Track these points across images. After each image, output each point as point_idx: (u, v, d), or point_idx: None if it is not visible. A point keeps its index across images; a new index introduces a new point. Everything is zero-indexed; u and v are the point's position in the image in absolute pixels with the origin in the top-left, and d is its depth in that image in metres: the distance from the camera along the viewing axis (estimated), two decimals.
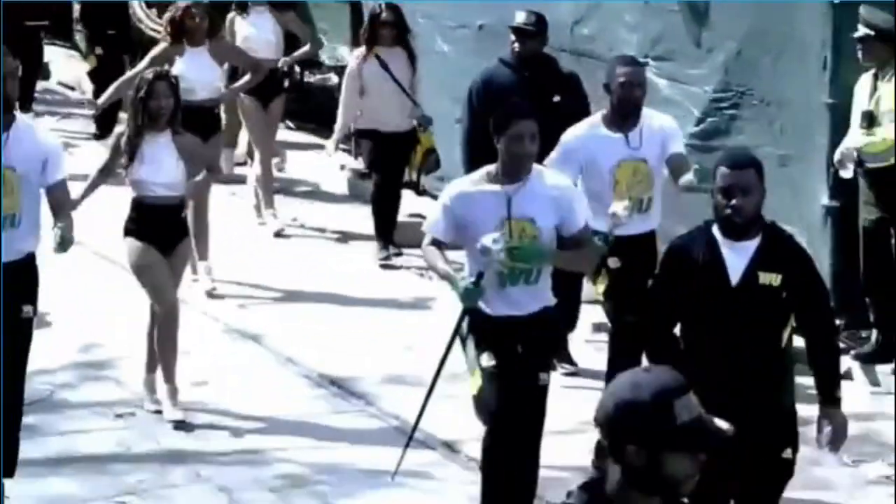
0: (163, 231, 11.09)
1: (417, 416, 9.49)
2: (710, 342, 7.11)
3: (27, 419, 10.05)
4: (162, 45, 14.06)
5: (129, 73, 14.13)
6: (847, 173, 12.08)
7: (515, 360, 8.85)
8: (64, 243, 9.24)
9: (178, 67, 13.26)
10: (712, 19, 13.83)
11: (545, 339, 9.06)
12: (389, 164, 14.52)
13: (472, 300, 8.69)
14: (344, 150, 15.99)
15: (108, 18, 18.90)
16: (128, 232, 10.88)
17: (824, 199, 12.73)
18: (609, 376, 9.49)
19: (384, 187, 14.53)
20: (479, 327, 8.84)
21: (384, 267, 14.46)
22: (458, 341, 9.21)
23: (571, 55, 14.48)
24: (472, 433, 9.84)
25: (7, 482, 9.42)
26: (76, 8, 19.79)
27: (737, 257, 6.80)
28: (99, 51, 19.04)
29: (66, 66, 21.64)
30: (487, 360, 8.74)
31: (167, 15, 13.61)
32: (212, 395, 11.64)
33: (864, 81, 11.94)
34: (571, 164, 9.87)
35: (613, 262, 10.07)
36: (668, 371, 4.57)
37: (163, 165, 11.01)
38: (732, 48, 13.54)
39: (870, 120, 11.80)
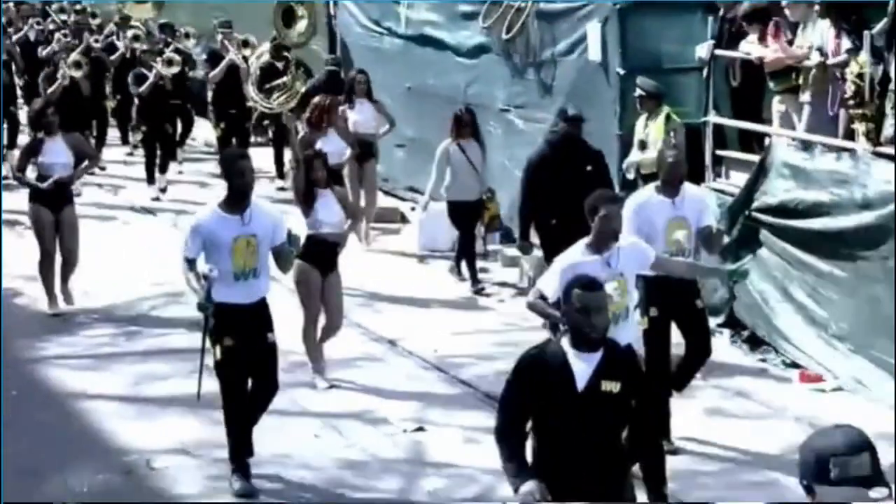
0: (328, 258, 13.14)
1: None
2: (558, 442, 7.23)
3: None
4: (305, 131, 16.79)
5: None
6: (630, 175, 15.51)
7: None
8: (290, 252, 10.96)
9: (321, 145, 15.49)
10: (551, 82, 17.79)
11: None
12: (466, 223, 16.90)
13: None
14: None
15: (231, 103, 21.65)
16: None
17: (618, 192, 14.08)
18: None
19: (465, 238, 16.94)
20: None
21: (477, 293, 16.59)
22: None
23: (466, 104, 17.85)
24: None
25: None
26: (209, 94, 22.36)
27: (583, 367, 7.00)
28: (223, 125, 21.76)
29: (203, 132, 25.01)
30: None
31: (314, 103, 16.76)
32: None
33: (640, 122, 15.41)
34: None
35: (654, 311, 11.12)
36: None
37: (332, 210, 13.15)
38: (562, 99, 17.13)
39: (642, 145, 15.30)
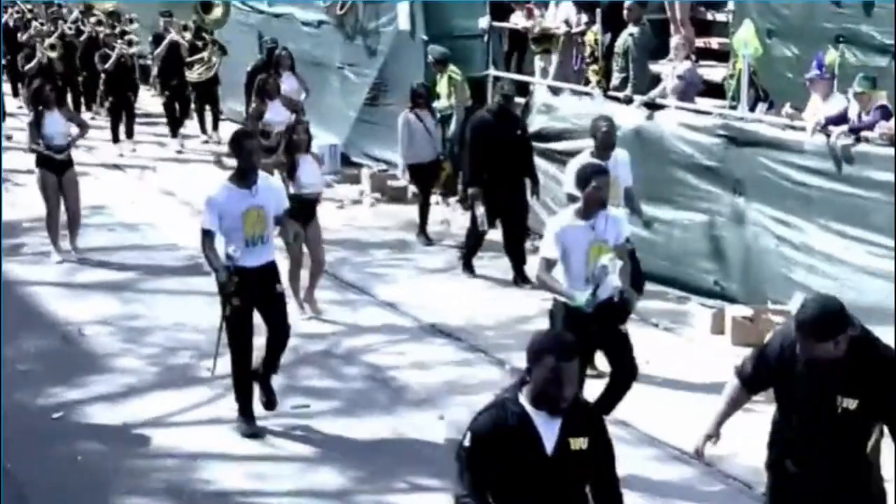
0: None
1: None
2: None
3: None
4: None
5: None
6: (440, 104, 15.46)
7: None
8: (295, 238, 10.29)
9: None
10: (375, 46, 17.94)
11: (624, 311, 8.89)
12: (424, 182, 15.16)
13: (591, 306, 8.39)
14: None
15: (173, 75, 20.71)
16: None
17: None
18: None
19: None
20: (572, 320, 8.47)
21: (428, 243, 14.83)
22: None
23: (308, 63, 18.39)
24: None
25: None
26: (155, 69, 21.51)
27: (548, 427, 5.23)
28: (167, 93, 20.96)
29: (148, 100, 23.64)
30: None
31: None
32: None
33: (438, 78, 15.73)
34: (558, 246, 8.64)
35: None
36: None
37: (313, 172, 12.05)
38: (383, 59, 17.73)
39: (437, 96, 15.56)
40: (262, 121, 15.06)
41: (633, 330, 10.51)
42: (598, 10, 14.39)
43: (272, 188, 9.52)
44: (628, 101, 13.56)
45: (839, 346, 5.61)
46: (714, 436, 6.44)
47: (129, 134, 20.94)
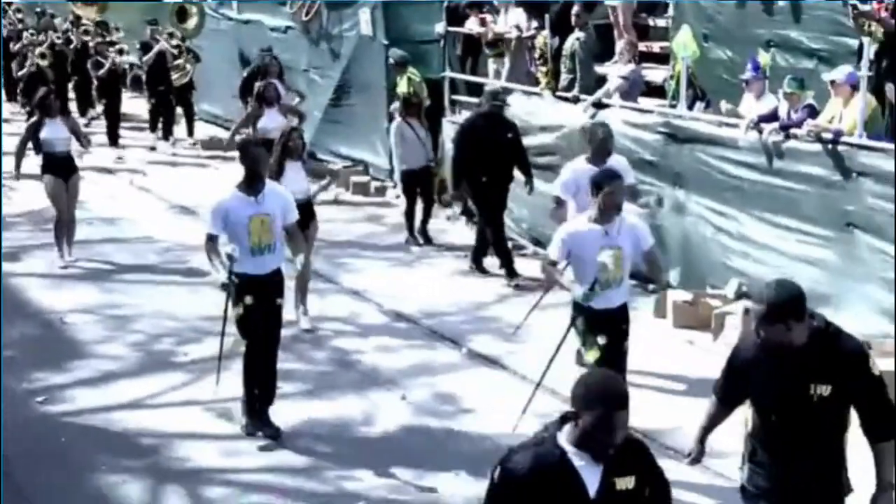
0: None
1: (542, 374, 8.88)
2: None
3: None
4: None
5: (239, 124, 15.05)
6: (396, 116, 14.87)
7: (616, 338, 8.32)
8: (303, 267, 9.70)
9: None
10: (338, 50, 17.88)
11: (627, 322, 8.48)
12: (415, 188, 14.57)
13: (590, 299, 8.07)
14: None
15: (160, 81, 20.33)
16: None
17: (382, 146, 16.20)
18: None
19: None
20: (589, 319, 8.23)
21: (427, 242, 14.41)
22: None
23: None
24: None
25: None
26: (143, 76, 20.91)
27: (590, 469, 4.52)
28: (154, 99, 20.55)
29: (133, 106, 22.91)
30: (602, 339, 8.22)
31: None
32: None
33: (398, 79, 15.44)
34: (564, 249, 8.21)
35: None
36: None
37: (298, 178, 11.15)
38: (346, 62, 17.65)
39: (397, 96, 15.11)
40: (257, 127, 14.72)
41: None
42: (547, 16, 14.42)
43: (279, 196, 9.07)
44: (576, 100, 13.59)
45: (792, 331, 5.43)
46: (698, 452, 6.22)
47: (116, 139, 20.68)
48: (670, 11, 14.14)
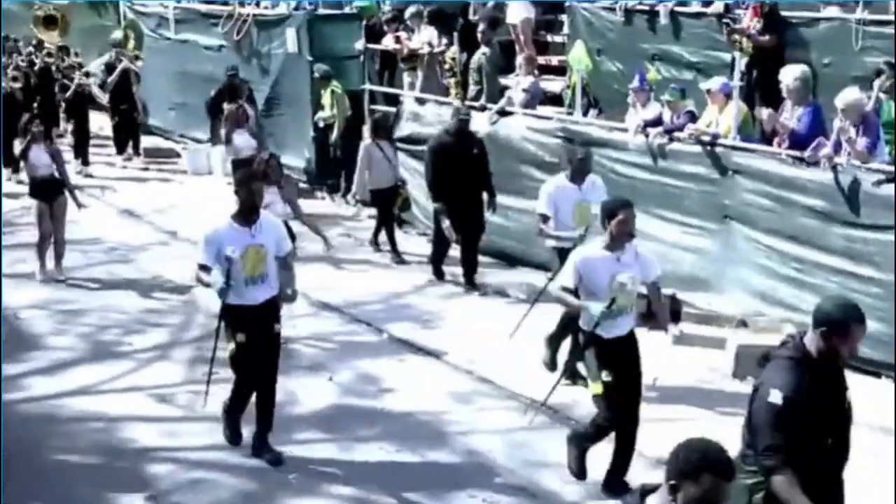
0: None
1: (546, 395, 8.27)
2: None
3: None
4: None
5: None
6: (320, 124, 15.65)
7: (632, 364, 7.43)
8: (292, 298, 8.53)
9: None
10: (267, 66, 17.60)
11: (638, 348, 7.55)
12: (384, 206, 13.76)
13: (606, 319, 7.22)
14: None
15: (123, 100, 19.30)
16: None
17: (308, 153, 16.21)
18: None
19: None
20: (599, 350, 7.32)
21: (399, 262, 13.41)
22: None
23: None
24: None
25: None
26: (107, 96, 19.39)
27: None
28: (117, 117, 19.48)
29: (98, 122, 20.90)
30: (607, 376, 7.28)
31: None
32: None
33: (322, 92, 15.47)
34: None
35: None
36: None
37: (274, 203, 10.38)
38: (275, 77, 17.31)
39: (322, 107, 15.54)
40: (230, 147, 14.24)
41: (491, 301, 11.32)
42: (456, 34, 14.42)
43: (273, 227, 8.33)
44: (482, 109, 13.57)
45: None
46: None
47: (86, 158, 19.60)
48: (566, 29, 14.36)
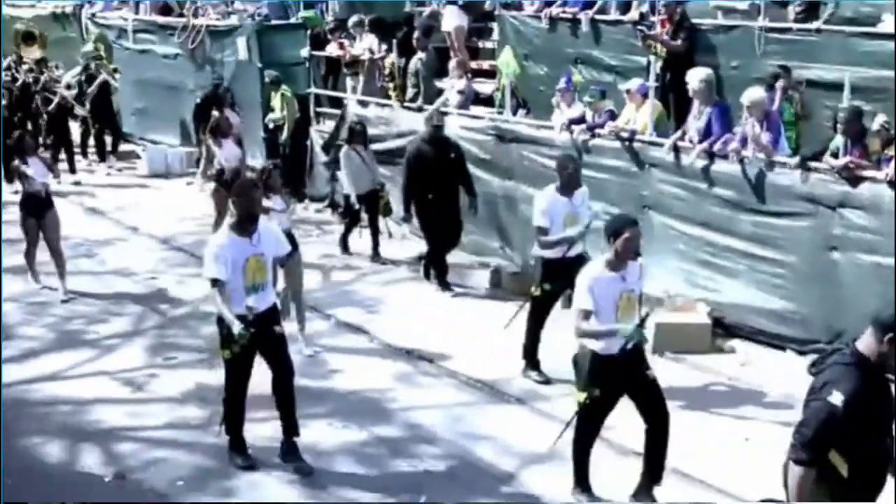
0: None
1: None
2: None
3: None
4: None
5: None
6: (270, 126, 15.34)
7: (617, 390, 6.87)
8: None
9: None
10: (220, 73, 17.06)
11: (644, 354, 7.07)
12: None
13: (636, 337, 6.69)
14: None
15: (103, 111, 18.75)
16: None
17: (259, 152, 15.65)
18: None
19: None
20: (592, 362, 6.84)
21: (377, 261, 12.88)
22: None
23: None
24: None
25: None
26: (87, 107, 18.66)
27: None
28: (97, 126, 18.84)
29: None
30: (594, 392, 6.82)
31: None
32: None
33: (272, 96, 15.17)
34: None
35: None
36: None
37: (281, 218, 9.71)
38: (227, 83, 16.52)
39: (272, 109, 15.14)
40: (216, 158, 13.56)
41: (432, 288, 11.21)
42: (394, 41, 14.39)
43: (272, 234, 7.80)
44: (420, 110, 13.55)
45: None
46: None
47: (73, 167, 18.57)
48: (496, 35, 14.29)
